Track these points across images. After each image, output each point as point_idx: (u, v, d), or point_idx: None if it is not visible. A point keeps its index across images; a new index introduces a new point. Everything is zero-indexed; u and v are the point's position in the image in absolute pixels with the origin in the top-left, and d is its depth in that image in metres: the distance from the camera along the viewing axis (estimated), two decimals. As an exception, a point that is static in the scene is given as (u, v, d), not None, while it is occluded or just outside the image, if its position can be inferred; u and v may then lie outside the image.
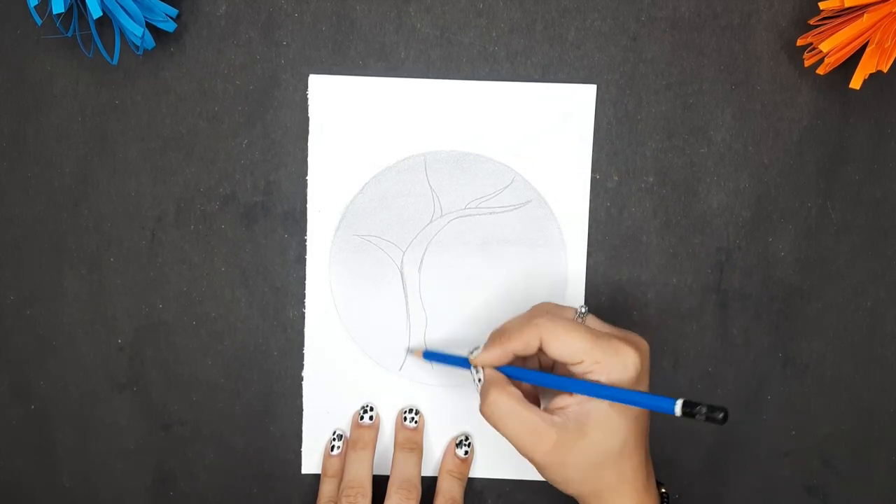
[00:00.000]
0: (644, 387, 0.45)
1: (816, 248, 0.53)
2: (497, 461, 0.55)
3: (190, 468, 0.55)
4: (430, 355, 0.52)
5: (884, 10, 0.46)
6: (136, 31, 0.48)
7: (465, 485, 0.53)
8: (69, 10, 0.49)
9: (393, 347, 0.54)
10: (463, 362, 0.48)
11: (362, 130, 0.53)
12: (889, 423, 0.54)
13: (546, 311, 0.46)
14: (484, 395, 0.45)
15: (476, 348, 0.47)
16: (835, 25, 0.48)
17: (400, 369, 0.54)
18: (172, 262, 0.54)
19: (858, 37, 0.47)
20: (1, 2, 0.52)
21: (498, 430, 0.45)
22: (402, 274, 0.53)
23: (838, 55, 0.48)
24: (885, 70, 0.48)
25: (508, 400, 0.44)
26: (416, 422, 0.54)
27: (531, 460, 0.44)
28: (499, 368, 0.46)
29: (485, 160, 0.53)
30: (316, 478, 0.55)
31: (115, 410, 0.55)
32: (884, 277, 0.54)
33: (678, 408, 0.40)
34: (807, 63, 0.51)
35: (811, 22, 0.51)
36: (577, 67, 0.52)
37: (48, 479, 0.55)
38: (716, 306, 0.54)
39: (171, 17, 0.50)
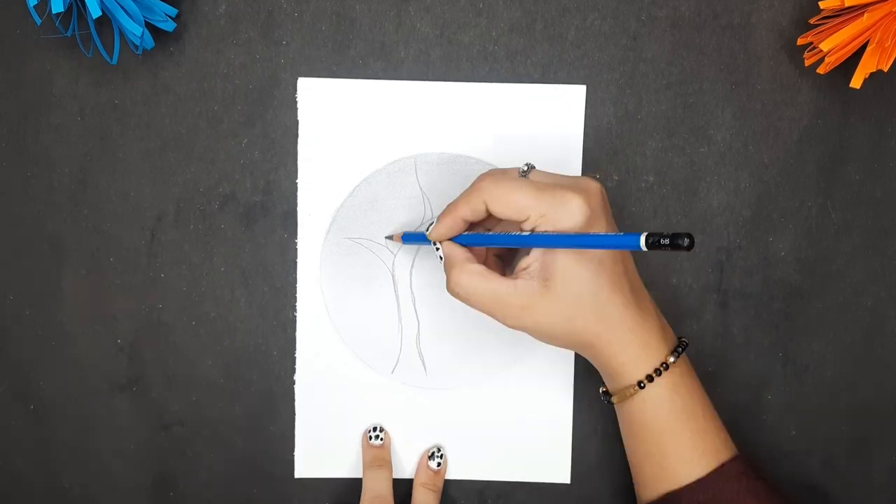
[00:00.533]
0: (600, 228, 0.44)
1: (817, 247, 0.53)
2: (496, 463, 0.54)
3: (189, 468, 0.55)
4: (407, 237, 0.51)
5: (884, 9, 0.46)
6: (135, 30, 0.48)
7: (440, 496, 0.53)
8: (68, 10, 0.49)
9: (385, 350, 0.54)
10: (425, 239, 0.48)
11: (352, 133, 0.53)
12: (889, 424, 0.54)
13: (490, 175, 0.45)
14: (447, 274, 0.46)
15: (431, 223, 0.47)
16: (835, 25, 0.48)
17: (392, 372, 0.54)
18: (172, 263, 0.53)
19: (859, 36, 0.47)
20: (1, 2, 0.52)
21: (468, 305, 0.45)
22: (393, 276, 0.53)
23: (839, 54, 0.48)
24: (886, 69, 0.48)
25: (470, 276, 0.44)
26: (381, 439, 0.54)
27: (511, 327, 0.45)
28: (457, 240, 0.46)
29: (475, 162, 0.53)
30: (312, 481, 0.55)
31: (115, 410, 0.54)
32: (884, 277, 0.54)
33: (643, 241, 0.38)
34: (807, 62, 0.51)
35: (811, 21, 0.51)
36: (576, 67, 0.52)
37: (48, 479, 0.55)
38: (716, 306, 0.54)
39: (171, 17, 0.50)
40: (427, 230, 0.47)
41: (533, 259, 0.44)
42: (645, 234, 0.38)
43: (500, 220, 0.47)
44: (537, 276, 0.44)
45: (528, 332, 0.45)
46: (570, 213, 0.43)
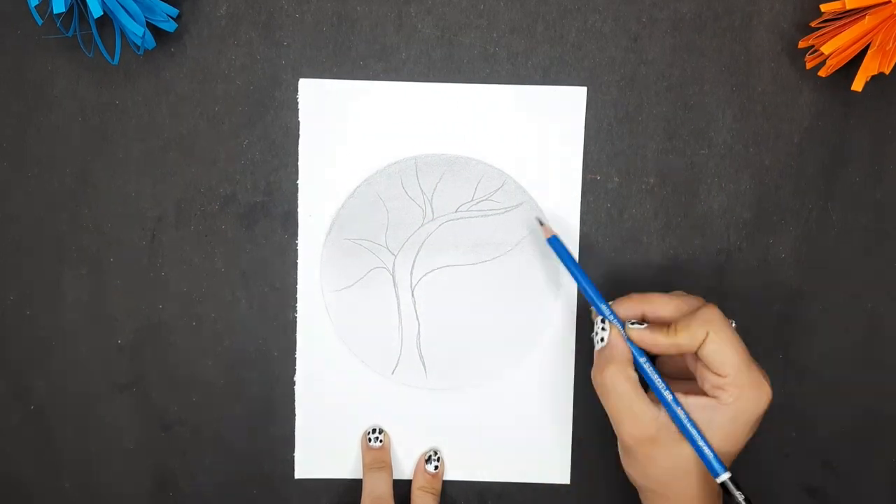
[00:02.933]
0: (756, 427, 0.45)
1: (817, 249, 0.53)
2: (496, 463, 0.55)
3: (189, 469, 0.55)
4: (557, 245, 0.50)
5: (886, 12, 0.46)
6: (136, 30, 0.48)
7: (438, 498, 0.54)
8: (70, 10, 0.49)
9: (385, 351, 0.54)
10: (593, 295, 0.48)
11: (353, 134, 0.53)
12: (889, 425, 0.54)
13: (720, 314, 0.45)
14: (602, 364, 0.45)
15: (634, 322, 0.46)
16: (836, 27, 0.48)
17: (392, 373, 0.54)
18: (172, 263, 0.53)
19: (860, 39, 0.47)
20: (1, 2, 0.52)
21: (601, 400, 0.46)
22: (393, 278, 0.53)
23: (840, 57, 0.48)
24: (888, 72, 0.48)
25: (624, 382, 0.45)
26: (380, 441, 0.54)
27: (620, 440, 0.46)
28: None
29: (476, 163, 0.53)
30: (311, 482, 0.55)
31: (115, 411, 0.54)
32: (884, 279, 0.54)
33: (722, 478, 0.44)
34: (808, 65, 0.51)
35: (813, 24, 0.51)
36: (577, 68, 0.52)
37: (48, 480, 0.55)
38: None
39: (172, 17, 0.50)
40: (630, 324, 0.46)
41: (693, 405, 0.44)
42: (728, 475, 0.44)
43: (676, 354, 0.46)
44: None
45: (630, 455, 0.46)
46: (758, 402, 0.44)
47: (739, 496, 0.44)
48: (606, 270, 0.53)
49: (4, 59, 0.52)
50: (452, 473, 0.55)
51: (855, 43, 0.47)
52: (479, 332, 0.54)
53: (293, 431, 0.54)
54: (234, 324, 0.54)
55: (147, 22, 0.49)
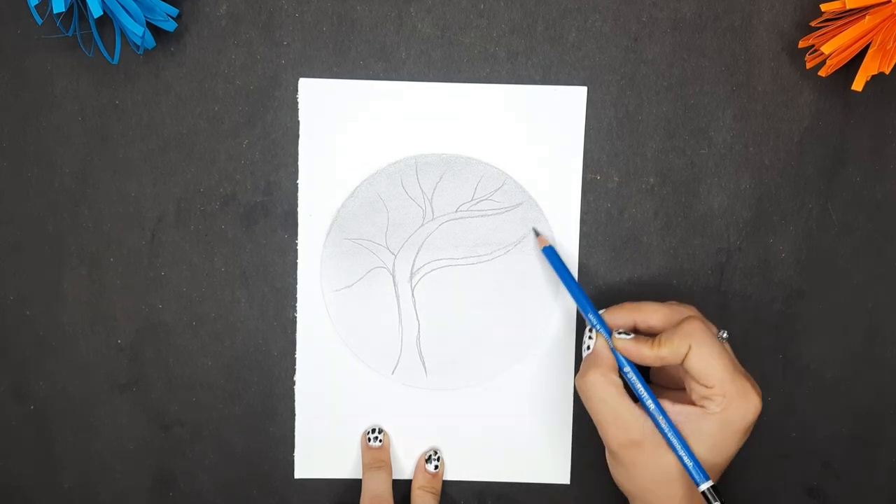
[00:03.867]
0: (749, 433, 0.45)
1: (817, 249, 0.53)
2: (496, 463, 0.55)
3: (189, 469, 0.55)
4: (552, 255, 0.51)
5: (886, 11, 0.46)
6: (136, 30, 0.48)
7: (438, 498, 0.54)
8: (69, 10, 0.49)
9: (385, 351, 0.54)
10: (583, 304, 0.49)
11: (353, 134, 0.53)
12: (889, 426, 0.54)
13: (701, 325, 0.45)
14: (585, 369, 0.46)
15: (621, 332, 0.46)
16: (836, 27, 0.48)
17: (392, 373, 0.54)
18: (172, 263, 0.53)
19: (860, 39, 0.47)
20: (1, 2, 0.52)
21: (585, 405, 0.46)
22: (393, 277, 0.53)
23: (840, 57, 0.48)
24: (888, 72, 0.48)
25: (607, 387, 0.45)
26: (380, 440, 0.54)
27: (611, 449, 0.46)
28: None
29: (476, 163, 0.53)
30: (311, 482, 0.55)
31: (115, 410, 0.54)
32: (884, 279, 0.54)
33: (703, 487, 0.44)
34: (808, 65, 0.51)
35: (813, 24, 0.51)
36: (577, 68, 0.52)
37: (48, 480, 0.55)
38: (716, 307, 0.54)
39: (172, 17, 0.50)
40: (617, 333, 0.47)
41: (676, 413, 0.45)
42: (710, 483, 0.44)
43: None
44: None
45: (618, 460, 0.46)
46: (745, 412, 0.44)
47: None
48: (606, 270, 0.53)
49: (4, 59, 0.52)
50: (452, 473, 0.55)
51: (855, 43, 0.47)
52: (479, 332, 0.54)
53: (293, 431, 0.54)
54: (234, 324, 0.54)
55: (147, 22, 0.49)
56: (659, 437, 0.45)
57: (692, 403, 0.45)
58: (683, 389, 0.47)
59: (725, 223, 0.53)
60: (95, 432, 0.55)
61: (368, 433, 0.54)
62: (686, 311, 0.47)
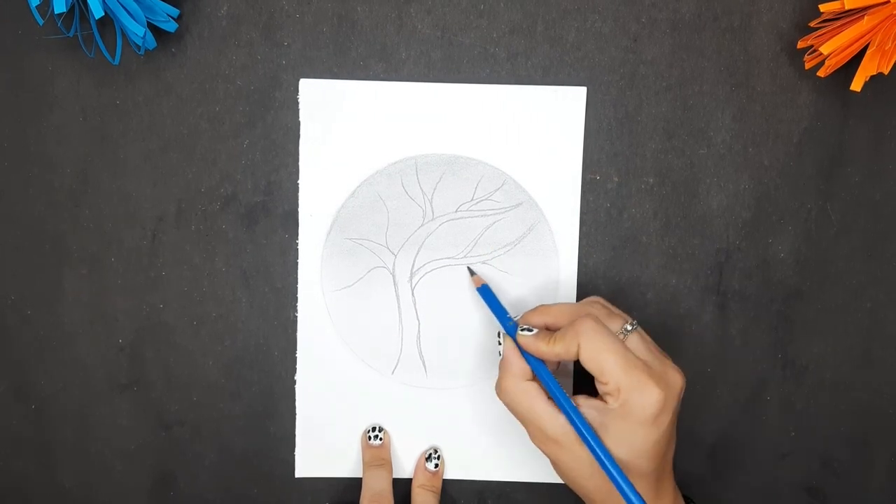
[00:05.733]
0: (664, 423, 0.44)
1: (816, 249, 0.54)
2: (496, 463, 0.55)
3: (189, 468, 0.55)
4: (487, 293, 0.51)
5: (884, 12, 0.46)
6: (137, 31, 0.48)
7: (438, 496, 0.54)
8: (70, 10, 0.49)
9: (385, 351, 0.54)
10: (503, 320, 0.49)
11: (353, 134, 0.53)
12: (888, 425, 0.55)
13: (593, 323, 0.45)
14: (501, 377, 0.47)
15: (525, 328, 0.47)
16: (835, 28, 0.48)
17: (392, 372, 0.54)
18: (173, 263, 0.54)
19: (859, 39, 0.47)
20: (1, 2, 0.52)
21: (508, 409, 0.47)
22: (393, 277, 0.53)
23: (839, 57, 0.48)
24: (886, 72, 0.48)
25: (519, 393, 0.46)
26: (380, 439, 0.54)
27: (536, 446, 0.47)
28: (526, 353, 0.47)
29: (476, 163, 0.53)
30: (312, 481, 0.55)
31: (115, 410, 0.54)
32: (883, 279, 0.54)
33: (618, 477, 0.43)
34: (807, 65, 0.51)
35: (812, 24, 0.51)
36: (577, 68, 0.52)
37: (48, 480, 0.55)
38: (715, 307, 0.54)
39: (173, 18, 0.50)
40: (520, 328, 0.47)
41: (589, 407, 0.45)
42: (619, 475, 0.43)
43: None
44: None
45: (550, 461, 0.47)
46: (643, 407, 0.43)
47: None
48: (606, 270, 0.53)
49: (4, 59, 0.52)
50: (452, 472, 0.55)
51: (854, 43, 0.48)
52: (479, 331, 0.54)
53: (293, 431, 0.54)
54: (235, 324, 0.54)
55: (148, 22, 0.49)
56: (574, 433, 0.45)
57: (601, 399, 0.45)
58: None
59: (725, 223, 0.53)
60: (95, 432, 0.55)
61: (369, 431, 0.54)
62: (589, 307, 0.47)
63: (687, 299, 0.54)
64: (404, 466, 0.54)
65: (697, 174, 0.53)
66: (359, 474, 0.54)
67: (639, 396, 0.43)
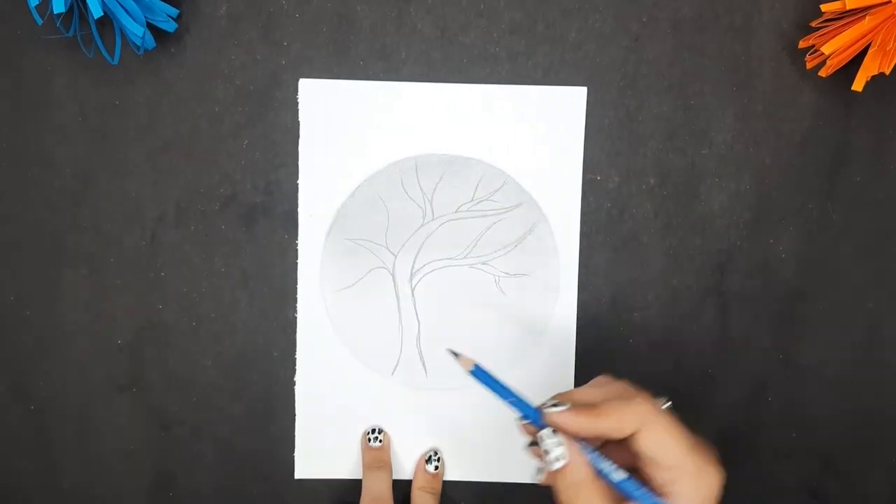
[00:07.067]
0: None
1: (817, 249, 0.53)
2: (496, 464, 0.55)
3: (189, 469, 0.55)
4: (481, 375, 0.43)
5: (886, 12, 0.46)
6: (136, 31, 0.48)
7: (438, 498, 0.54)
8: (70, 10, 0.49)
9: (385, 351, 0.54)
10: (523, 406, 0.41)
11: (353, 134, 0.53)
12: (889, 425, 0.54)
13: (648, 401, 0.39)
14: (572, 494, 0.39)
15: (555, 404, 0.40)
16: (837, 27, 0.48)
17: (392, 373, 0.54)
18: (172, 263, 0.53)
19: (860, 39, 0.47)
20: (1, 2, 0.52)
21: None
22: (393, 278, 0.53)
23: (840, 57, 0.48)
24: (888, 72, 0.48)
25: (603, 500, 0.39)
26: (380, 441, 0.54)
27: None
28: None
29: (476, 163, 0.53)
30: (311, 482, 0.55)
31: (114, 411, 0.54)
32: (885, 279, 0.54)
33: None
34: (809, 65, 0.51)
35: (813, 24, 0.51)
36: (577, 68, 0.52)
37: (47, 480, 0.55)
38: (716, 308, 0.54)
39: (172, 17, 0.50)
40: (547, 406, 0.40)
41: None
42: None
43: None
44: None
45: None
46: (709, 488, 0.38)
47: None
48: (606, 271, 0.53)
49: (4, 59, 0.52)
50: (452, 473, 0.55)
51: (855, 43, 0.47)
52: (478, 332, 0.54)
53: (293, 431, 0.54)
54: (234, 324, 0.54)
55: (147, 22, 0.49)
56: None
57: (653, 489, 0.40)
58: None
59: (726, 223, 0.53)
60: (95, 432, 0.55)
61: (368, 433, 0.54)
62: (621, 387, 0.41)
63: (688, 300, 0.54)
64: (404, 468, 0.54)
65: (698, 174, 0.53)
66: (358, 476, 0.54)
67: (703, 481, 0.38)
